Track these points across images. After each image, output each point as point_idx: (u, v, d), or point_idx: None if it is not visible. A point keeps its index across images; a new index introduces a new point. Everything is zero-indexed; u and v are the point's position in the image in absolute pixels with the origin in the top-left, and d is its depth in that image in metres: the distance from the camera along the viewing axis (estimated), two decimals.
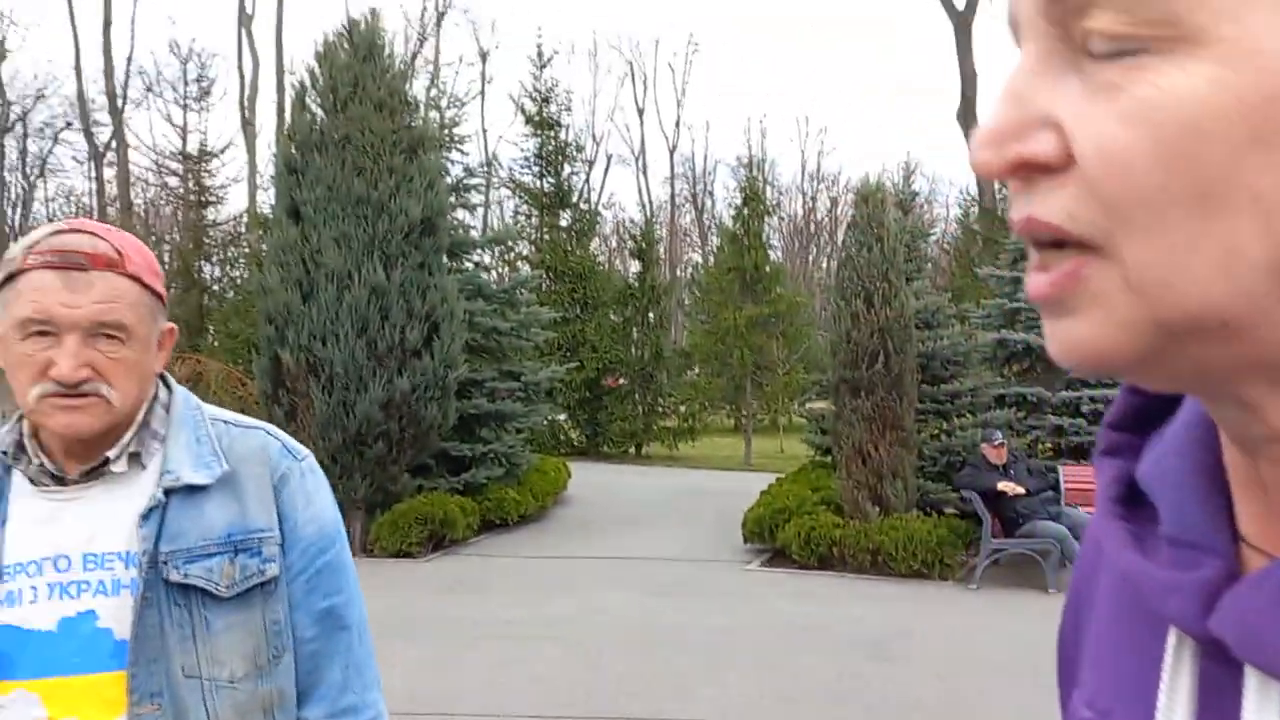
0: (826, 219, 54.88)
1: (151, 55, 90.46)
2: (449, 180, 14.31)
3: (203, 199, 29.39)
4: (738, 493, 12.93)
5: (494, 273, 23.29)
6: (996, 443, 9.05)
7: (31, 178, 47.47)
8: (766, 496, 11.28)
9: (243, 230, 28.97)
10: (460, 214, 15.70)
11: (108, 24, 36.13)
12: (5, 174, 34.08)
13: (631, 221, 39.26)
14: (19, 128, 42.46)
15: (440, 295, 10.62)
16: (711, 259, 41.38)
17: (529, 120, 25.82)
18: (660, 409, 24.65)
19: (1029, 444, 11.39)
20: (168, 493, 1.27)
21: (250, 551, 1.30)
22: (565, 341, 22.33)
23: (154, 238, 32.08)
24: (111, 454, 1.27)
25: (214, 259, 27.46)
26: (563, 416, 23.78)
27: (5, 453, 1.28)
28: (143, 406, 1.31)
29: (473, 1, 75.39)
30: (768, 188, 49.19)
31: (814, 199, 57.22)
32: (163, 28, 66.93)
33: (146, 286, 1.28)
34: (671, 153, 52.68)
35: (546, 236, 25.34)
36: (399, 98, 11.01)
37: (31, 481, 1.28)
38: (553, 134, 25.82)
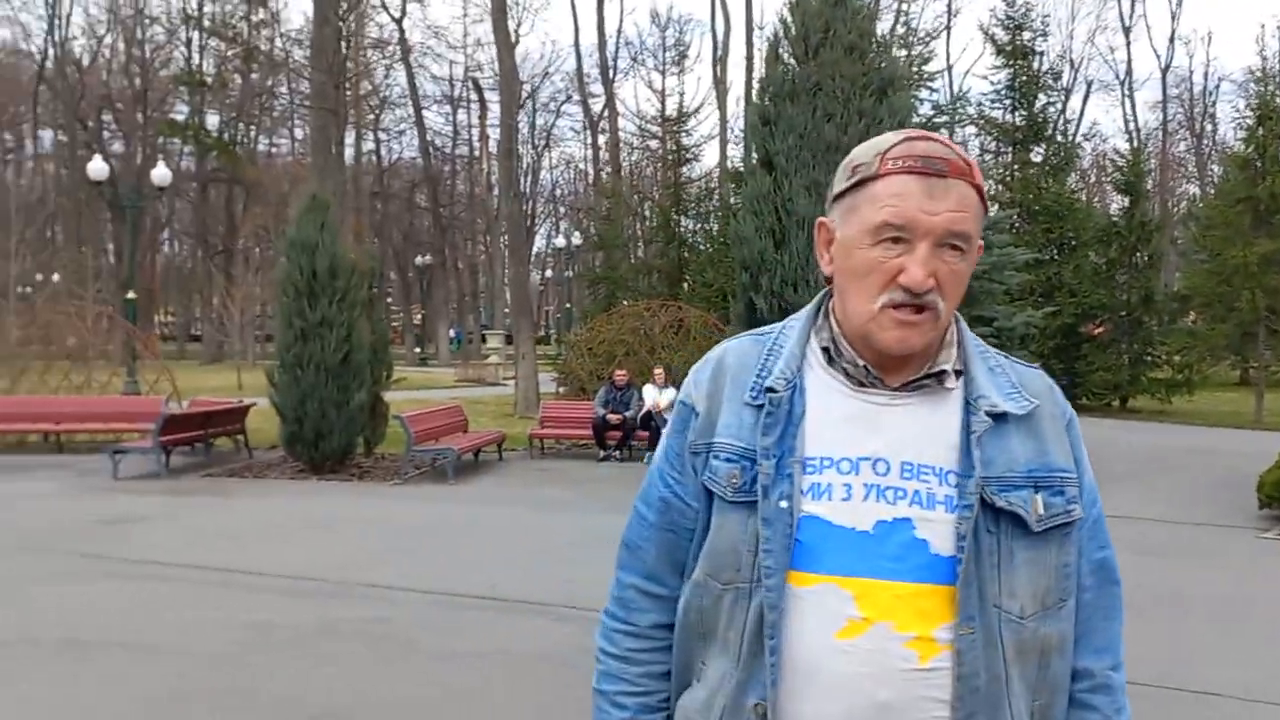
0: None
1: (635, 25, 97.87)
2: (917, 120, 13.99)
3: (680, 158, 31.47)
4: (1247, 454, 11.45)
5: None
6: None
7: (539, 148, 53.97)
8: None
9: (715, 185, 30.59)
10: None
11: (601, 2, 39.71)
12: (519, 146, 38.82)
13: (1116, 153, 35.60)
14: (529, 104, 48.25)
15: None
16: (1212, 190, 36.50)
17: (999, 50, 24.39)
18: (1149, 358, 22.35)
19: None
20: (991, 416, 1.23)
21: (1052, 489, 1.24)
22: (1040, 285, 20.98)
23: (638, 196, 34.97)
24: (944, 367, 1.25)
25: (689, 213, 29.29)
26: (1036, 365, 22.45)
27: (825, 349, 1.28)
28: (951, 325, 1.28)
29: None
30: None
31: None
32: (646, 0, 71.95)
33: (983, 199, 1.24)
34: (1164, 73, 47.07)
35: (1018, 173, 23.89)
36: (868, 39, 10.92)
37: (848, 379, 1.26)
38: (1025, 63, 24.17)
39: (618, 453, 13.82)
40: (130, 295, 20.66)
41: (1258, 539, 8.65)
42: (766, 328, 1.36)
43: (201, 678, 4.93)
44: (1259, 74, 33.16)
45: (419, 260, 48.45)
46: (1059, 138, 27.49)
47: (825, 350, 1.28)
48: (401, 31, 44.08)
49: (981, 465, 1.20)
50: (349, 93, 35.38)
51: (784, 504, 1.20)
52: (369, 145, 50.05)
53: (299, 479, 11.90)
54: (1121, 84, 47.31)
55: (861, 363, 1.25)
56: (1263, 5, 71.09)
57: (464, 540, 8.52)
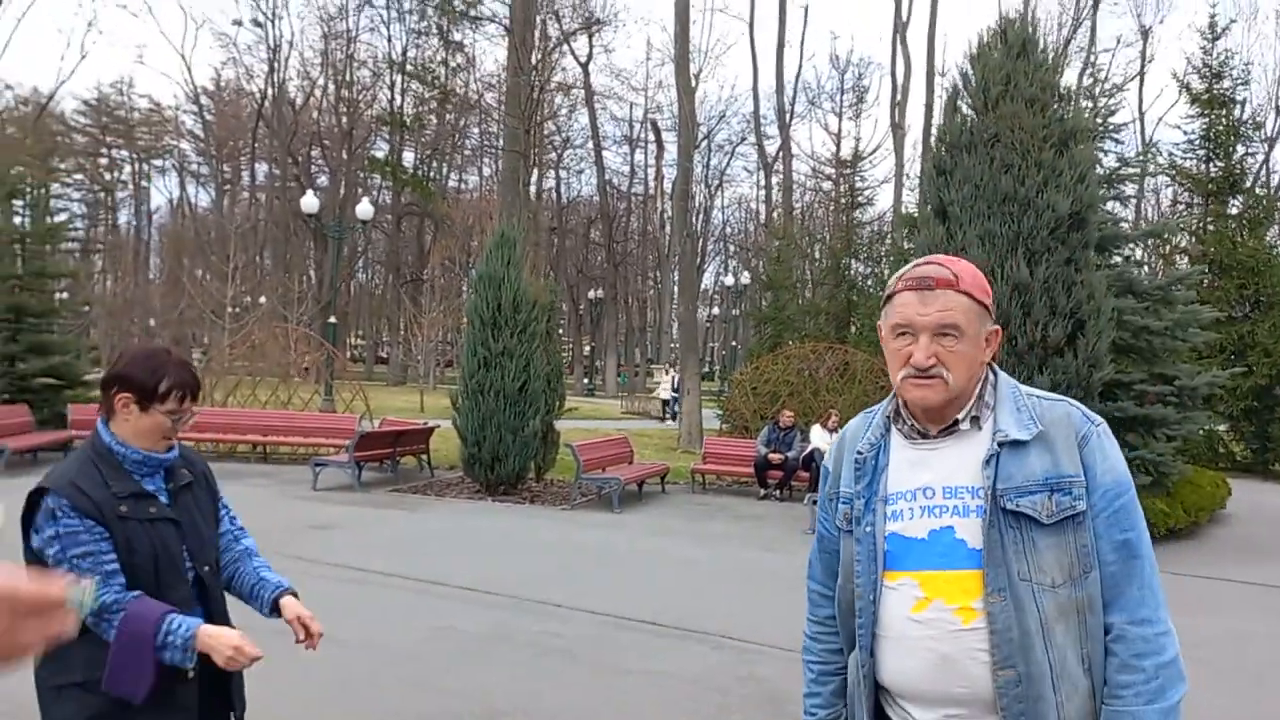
0: None
1: (814, 69, 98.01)
2: (1101, 171, 13.72)
3: (853, 201, 31.44)
4: None
5: (1147, 267, 21.58)
6: None
7: (712, 188, 54.78)
8: None
9: (888, 229, 30.39)
10: (1111, 206, 14.88)
11: (781, 46, 40.16)
12: (693, 185, 39.66)
13: None
14: (705, 145, 49.14)
15: (1087, 292, 10.32)
16: None
17: (1194, 99, 23.38)
18: None
19: None
20: (1000, 445, 1.72)
21: (1062, 491, 1.69)
22: (1230, 343, 19.93)
23: (807, 238, 35.04)
24: (960, 417, 1.78)
25: (861, 256, 29.15)
26: (1223, 427, 21.22)
27: (888, 417, 1.86)
28: (977, 385, 1.80)
29: None
30: None
31: None
32: (825, 42, 72.19)
33: (976, 300, 1.77)
34: None
35: (1211, 226, 22.77)
36: (1050, 91, 10.88)
37: (905, 436, 1.82)
38: (1223, 112, 23.08)
39: (778, 492, 14.01)
40: (331, 319, 22.29)
41: None
42: (877, 405, 1.94)
43: (388, 669, 5.51)
44: None
45: (591, 294, 49.89)
46: (1259, 189, 26.04)
47: (890, 417, 1.86)
48: (586, 75, 45.83)
49: (1000, 480, 1.70)
50: (536, 135, 37.02)
51: (869, 529, 1.79)
52: (550, 182, 52.08)
53: (475, 498, 12.66)
54: None
55: (910, 423, 1.81)
56: None
57: (628, 566, 8.94)
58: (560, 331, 49.98)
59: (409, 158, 52.71)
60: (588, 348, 55.67)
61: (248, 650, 2.27)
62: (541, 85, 29.95)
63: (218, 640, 2.25)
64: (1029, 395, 1.80)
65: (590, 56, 45.55)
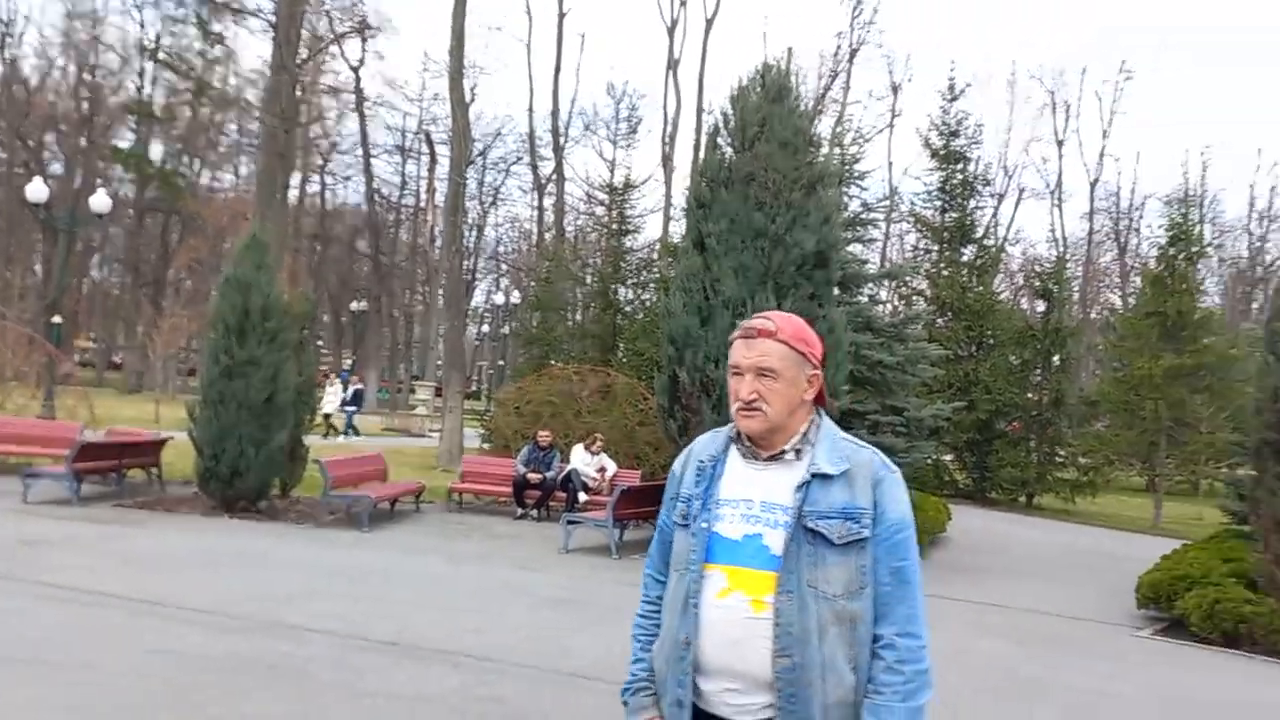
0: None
1: (590, 96, 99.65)
2: (846, 214, 14.65)
3: (623, 227, 32.04)
4: (1139, 557, 11.96)
5: (888, 306, 23.21)
6: None
7: (485, 205, 54.38)
8: (1168, 561, 10.40)
9: (655, 257, 31.17)
10: (855, 248, 15.91)
11: (557, 70, 40.52)
12: (466, 201, 39.18)
13: (1040, 260, 37.12)
14: (479, 161, 48.76)
15: (828, 326, 10.95)
16: (1131, 301, 38.12)
17: (933, 154, 25.47)
18: (1058, 459, 23.17)
19: None
20: (813, 475, 2.06)
21: (854, 519, 2.03)
22: (956, 380, 21.70)
23: (579, 261, 35.43)
24: (786, 448, 2.12)
25: (628, 282, 29.70)
26: (949, 457, 23.07)
27: (730, 438, 2.21)
28: (803, 425, 2.15)
29: (889, 37, 75.41)
30: (1205, 227, 44.45)
31: (1263, 240, 50.81)
32: (602, 72, 73.46)
33: (792, 348, 2.12)
34: (1093, 186, 49.34)
35: (945, 272, 24.81)
36: (803, 136, 11.52)
37: (742, 456, 2.17)
38: (958, 167, 25.27)
39: (535, 512, 13.97)
40: (56, 319, 20.40)
41: (1131, 636, 9.13)
42: (724, 427, 2.27)
43: (101, 694, 5.02)
44: (1179, 197, 34.97)
45: (354, 306, 48.26)
46: (987, 240, 28.62)
47: (732, 438, 2.21)
48: (358, 80, 44.52)
49: (808, 503, 2.04)
50: (298, 137, 35.52)
51: (702, 525, 2.11)
52: (314, 187, 50.11)
53: (211, 515, 11.86)
54: (1052, 194, 49.20)
55: (748, 445, 2.16)
56: (1189, 133, 75.21)
57: (373, 587, 8.62)
58: (319, 343, 47.95)
59: (157, 151, 49.22)
60: (348, 361, 53.75)
61: None
62: (306, 86, 28.76)
63: None
64: (844, 440, 2.15)
65: (363, 61, 44.33)
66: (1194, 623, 8.92)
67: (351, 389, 29.60)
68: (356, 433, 27.45)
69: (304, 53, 28.79)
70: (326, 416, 26.51)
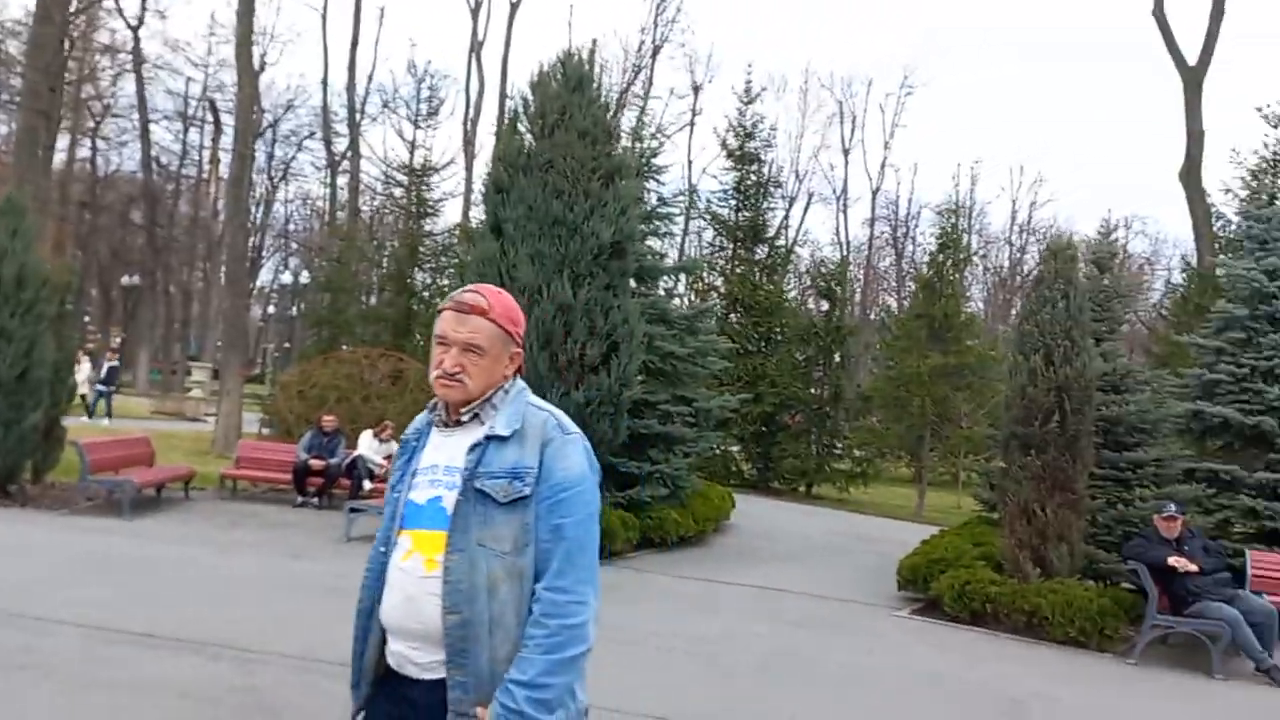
0: (1036, 272, 52.71)
1: (390, 74, 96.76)
2: (644, 208, 14.87)
3: (421, 210, 31.33)
4: (902, 542, 12.77)
5: (683, 300, 23.76)
6: (1166, 514, 8.66)
7: (275, 180, 51.97)
8: (925, 546, 11.14)
9: (454, 242, 30.66)
10: (653, 241, 16.18)
11: (355, 44, 39.19)
12: (254, 175, 37.31)
13: (825, 261, 38.96)
14: (269, 134, 46.55)
15: (622, 316, 11.09)
16: (906, 304, 40.60)
17: (730, 154, 26.26)
18: (835, 451, 24.43)
19: (1218, 524, 10.76)
20: (488, 438, 2.14)
21: (519, 479, 2.10)
22: (745, 374, 22.48)
23: (375, 243, 34.41)
24: (464, 413, 2.19)
25: (426, 267, 29.07)
26: (736, 448, 23.88)
27: (431, 409, 2.27)
28: (489, 391, 2.20)
29: (691, 36, 77.10)
30: (973, 237, 47.92)
31: (1023, 251, 55.22)
32: (403, 49, 71.51)
33: (501, 327, 2.18)
34: (874, 194, 52.11)
35: (738, 269, 25.63)
36: (602, 127, 11.60)
37: (437, 426, 2.24)
38: (752, 169, 26.15)
39: (317, 499, 13.47)
40: None
41: (890, 616, 9.74)
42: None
43: None
44: (949, 208, 37.44)
45: (126, 280, 45.01)
46: (778, 241, 29.77)
47: (432, 410, 2.28)
48: (137, 40, 41.50)
49: (481, 465, 2.12)
50: (67, 96, 32.81)
51: (397, 495, 2.23)
52: (84, 151, 46.35)
53: None
54: (838, 199, 51.73)
55: (440, 415, 2.24)
56: (962, 148, 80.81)
57: (129, 575, 8.08)
58: (86, 319, 44.36)
59: None
60: (118, 339, 50.14)
61: None
62: (75, 41, 26.58)
63: None
64: (530, 404, 2.20)
65: (142, 20, 41.31)
66: (947, 603, 9.59)
67: (106, 366, 25.88)
68: (108, 415, 24.57)
69: (75, 4, 26.54)
70: (83, 397, 23.79)
